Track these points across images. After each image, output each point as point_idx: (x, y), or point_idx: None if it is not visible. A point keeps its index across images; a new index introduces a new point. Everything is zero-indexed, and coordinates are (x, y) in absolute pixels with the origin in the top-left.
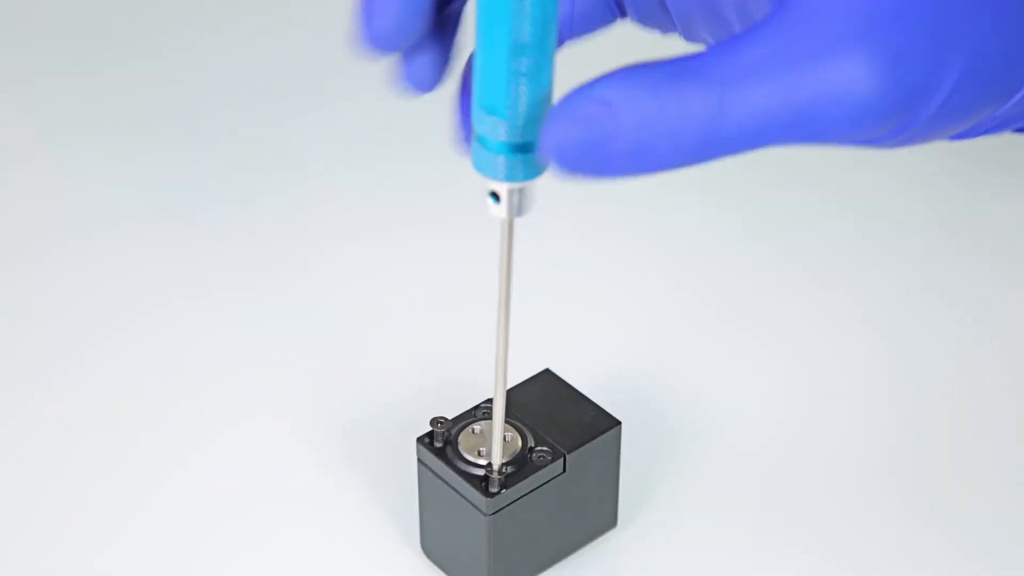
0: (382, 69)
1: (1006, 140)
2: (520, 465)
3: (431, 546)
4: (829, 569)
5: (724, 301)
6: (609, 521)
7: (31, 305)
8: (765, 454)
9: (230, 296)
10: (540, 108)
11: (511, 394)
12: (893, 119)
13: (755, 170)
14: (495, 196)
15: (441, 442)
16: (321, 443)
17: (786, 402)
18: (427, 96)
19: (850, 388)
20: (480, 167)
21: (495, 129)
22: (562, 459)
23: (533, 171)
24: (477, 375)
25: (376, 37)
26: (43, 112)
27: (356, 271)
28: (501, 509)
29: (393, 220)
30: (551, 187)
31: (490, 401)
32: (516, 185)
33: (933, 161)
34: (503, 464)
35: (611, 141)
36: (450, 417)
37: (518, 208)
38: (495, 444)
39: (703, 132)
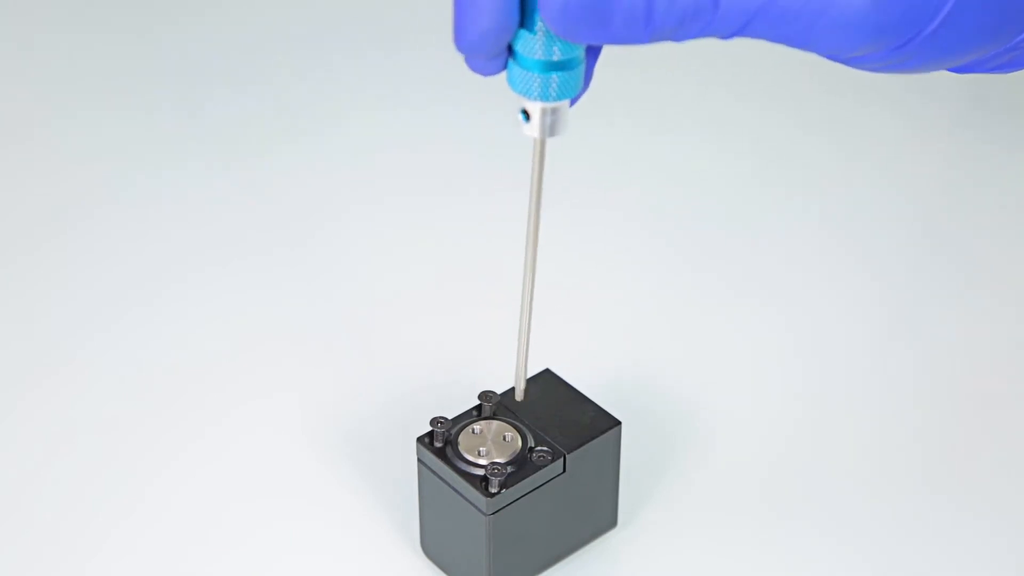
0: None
1: None
2: (520, 465)
3: (431, 546)
4: (829, 568)
5: (725, 302)
6: (609, 521)
7: (25, 298)
8: (765, 454)
9: (230, 296)
10: None
11: (511, 394)
12: (882, 37)
13: (756, 171)
14: (525, 114)
15: (441, 442)
16: (321, 443)
17: (786, 403)
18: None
19: (850, 389)
20: (515, 85)
21: (531, 46)
22: (562, 459)
23: (568, 91)
24: (477, 375)
25: (470, 48)
26: (39, 97)
27: (356, 271)
28: (501, 509)
29: (393, 221)
30: (552, 188)
31: (489, 397)
32: (550, 105)
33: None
34: (503, 463)
35: (610, 5)
36: (450, 417)
37: (551, 128)
38: (519, 380)
39: (696, 9)
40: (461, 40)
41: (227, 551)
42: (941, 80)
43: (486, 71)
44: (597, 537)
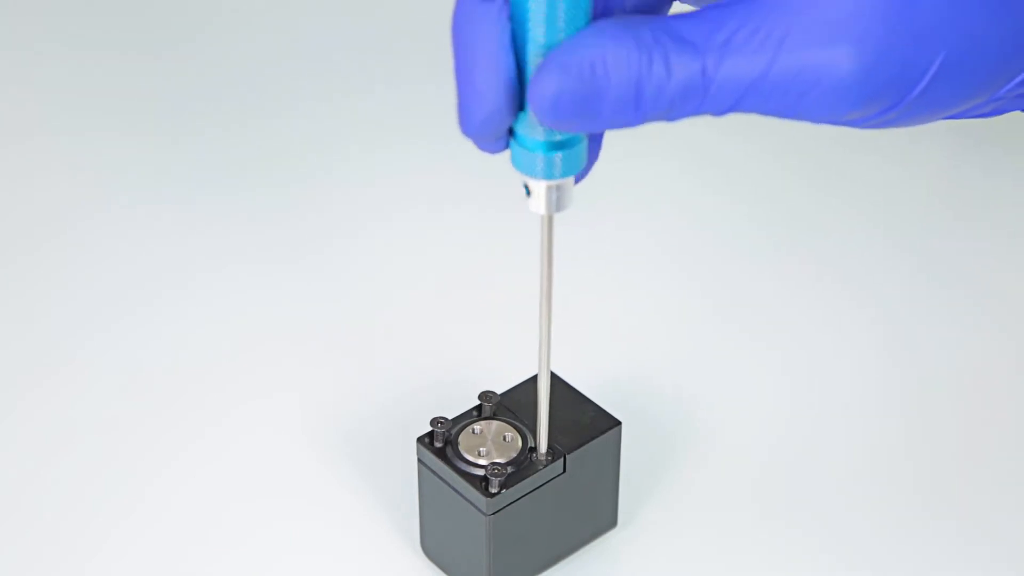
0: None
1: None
2: (520, 465)
3: (431, 546)
4: (829, 568)
5: (724, 302)
6: (609, 521)
7: (25, 298)
8: (765, 454)
9: (230, 296)
10: None
11: (511, 394)
12: (872, 103)
13: (756, 170)
14: (527, 189)
15: (441, 442)
16: (321, 443)
17: (786, 402)
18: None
19: (851, 388)
20: (518, 164)
21: (532, 127)
22: (562, 459)
23: (571, 168)
24: (477, 375)
25: (475, 132)
26: (42, 99)
27: (356, 272)
28: (501, 509)
29: (394, 221)
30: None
31: (489, 397)
32: (554, 182)
33: (943, 158)
34: (506, 463)
35: (601, 95)
36: (450, 417)
37: (556, 204)
38: (541, 431)
39: (686, 91)
40: (466, 125)
41: (227, 551)
42: None
43: (492, 150)
44: (597, 537)
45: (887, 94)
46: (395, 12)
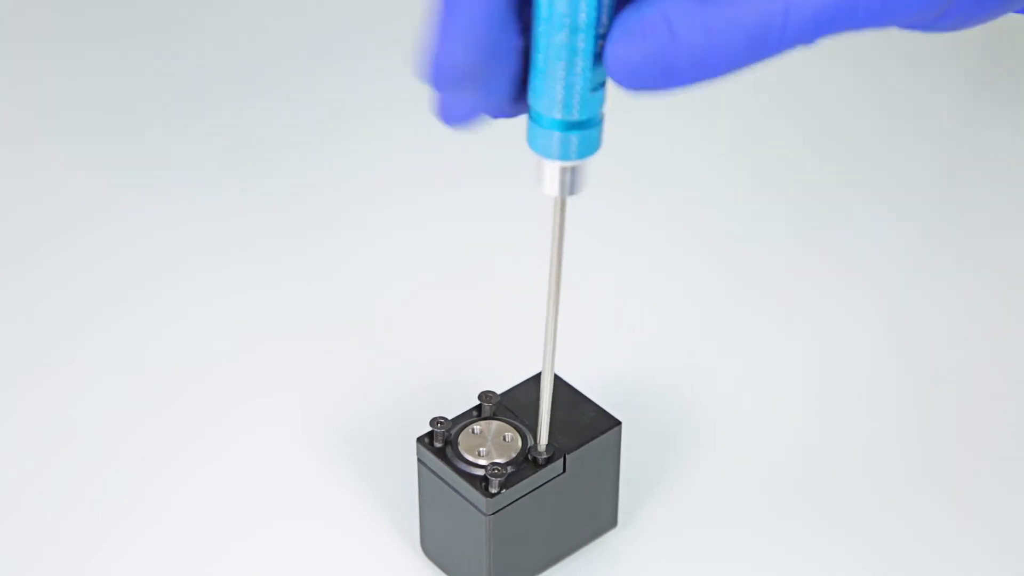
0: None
1: None
2: (520, 465)
3: (431, 546)
4: (829, 569)
5: (725, 302)
6: (609, 521)
7: (25, 298)
8: (765, 454)
9: (230, 296)
10: (596, 87)
11: (511, 394)
12: None
13: (757, 171)
14: (545, 172)
15: (441, 442)
16: (321, 443)
17: (788, 402)
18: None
19: (851, 387)
20: (533, 144)
21: (550, 106)
22: (562, 459)
23: (588, 150)
24: (477, 375)
25: (441, 80)
26: (41, 99)
27: (356, 272)
28: (501, 509)
29: (394, 222)
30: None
31: (489, 397)
32: (569, 164)
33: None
34: (507, 463)
35: (671, 53)
36: (450, 417)
37: (570, 187)
38: (542, 427)
39: (761, 33)
40: (433, 67)
41: (227, 551)
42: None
43: (455, 118)
44: (597, 537)
45: None
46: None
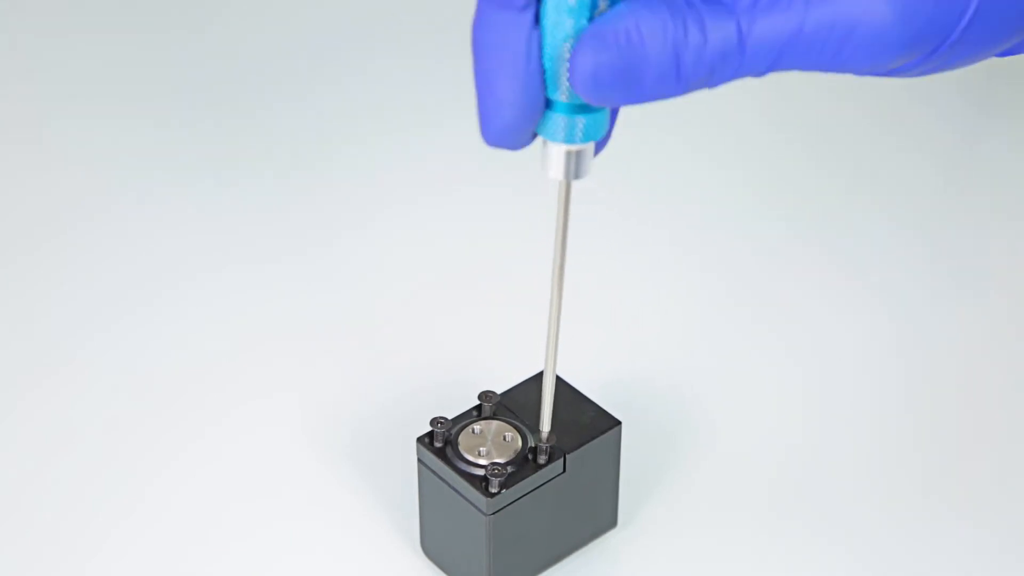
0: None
1: None
2: (520, 465)
3: (431, 546)
4: (830, 568)
5: (726, 302)
6: (609, 521)
7: (25, 298)
8: (765, 454)
9: (230, 296)
10: None
11: (511, 394)
12: (913, 48)
13: (757, 173)
14: (551, 156)
15: (441, 442)
16: (321, 443)
17: (788, 402)
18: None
19: (851, 388)
20: (540, 128)
21: (556, 88)
22: (562, 459)
23: (594, 134)
24: (477, 375)
25: (497, 140)
26: (40, 98)
27: (356, 272)
28: (501, 509)
29: (394, 222)
30: (552, 189)
31: (489, 397)
32: (574, 147)
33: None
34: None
35: (640, 65)
36: (450, 417)
37: (575, 171)
38: (544, 413)
39: (724, 54)
40: (487, 134)
41: (227, 551)
42: (935, 84)
43: (516, 147)
44: (597, 537)
45: (928, 38)
46: (397, 3)
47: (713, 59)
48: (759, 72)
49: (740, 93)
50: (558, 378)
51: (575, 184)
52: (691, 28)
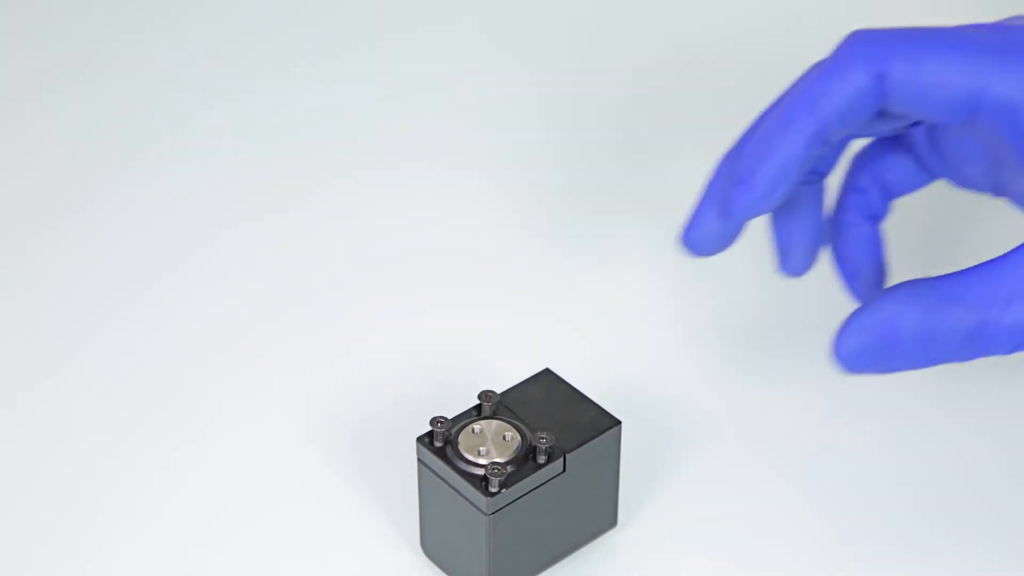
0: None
1: None
2: (520, 465)
3: (431, 546)
4: (830, 568)
5: (727, 301)
6: (609, 521)
7: (23, 297)
8: (765, 454)
9: (230, 295)
10: None
11: (511, 394)
12: None
13: None
14: None
15: (441, 442)
16: (321, 443)
17: (787, 402)
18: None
19: (852, 388)
20: None
21: None
22: (562, 459)
23: None
24: (477, 375)
25: (693, 247)
26: (37, 89)
27: (357, 271)
28: (501, 509)
29: (393, 221)
30: (552, 187)
31: (489, 397)
32: None
33: None
34: (505, 463)
35: (892, 351)
36: (450, 417)
37: None
38: None
39: (966, 344)
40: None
41: (227, 551)
42: None
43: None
44: (597, 537)
45: None
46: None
47: (961, 346)
48: (1008, 352)
49: (741, 90)
50: (558, 378)
51: (574, 182)
52: (943, 324)
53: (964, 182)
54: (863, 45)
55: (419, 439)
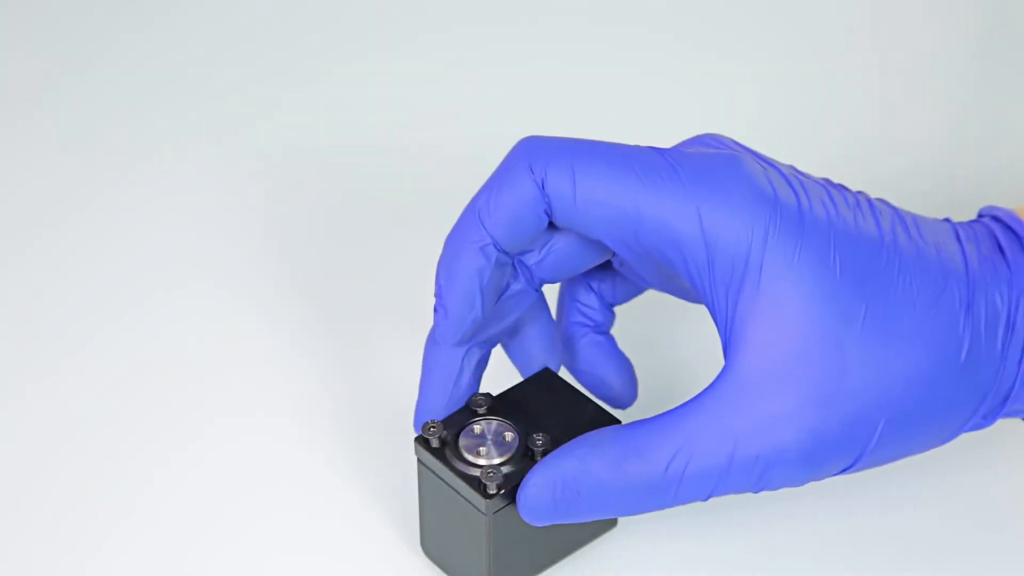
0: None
1: None
2: (519, 465)
3: (431, 546)
4: (830, 568)
5: None
6: (609, 521)
7: (22, 298)
8: None
9: (229, 295)
10: None
11: (510, 394)
12: (825, 472)
13: None
14: None
15: (440, 442)
16: (321, 443)
17: None
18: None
19: None
20: None
21: None
22: None
23: None
24: None
25: (444, 338)
26: (37, 92)
27: (356, 270)
28: (501, 509)
29: (392, 221)
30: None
31: (487, 396)
32: None
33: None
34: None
35: (573, 505)
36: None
37: None
38: None
39: (650, 496)
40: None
41: (227, 551)
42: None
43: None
44: (597, 537)
45: (838, 462)
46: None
47: (645, 497)
48: (686, 502)
49: (741, 91)
50: (558, 378)
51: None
52: (625, 474)
53: (672, 291)
54: (526, 154)
55: (418, 439)
